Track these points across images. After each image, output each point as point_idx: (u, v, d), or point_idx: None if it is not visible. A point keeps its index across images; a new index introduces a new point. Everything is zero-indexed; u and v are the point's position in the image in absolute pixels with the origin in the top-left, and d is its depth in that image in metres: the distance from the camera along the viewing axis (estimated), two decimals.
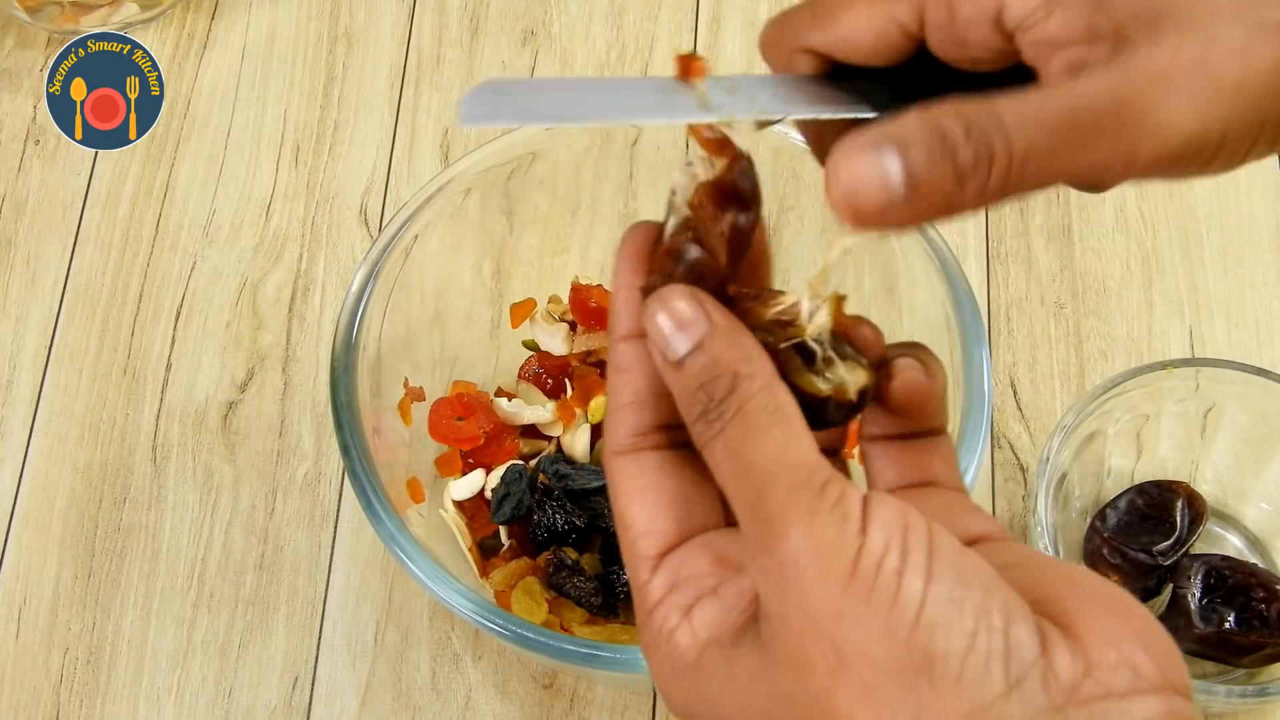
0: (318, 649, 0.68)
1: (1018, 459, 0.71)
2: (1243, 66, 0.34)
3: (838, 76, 0.38)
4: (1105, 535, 0.64)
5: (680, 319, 0.34)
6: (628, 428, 0.36)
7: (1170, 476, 0.68)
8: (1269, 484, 0.67)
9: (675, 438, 0.36)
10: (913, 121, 0.33)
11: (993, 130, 0.33)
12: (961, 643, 0.30)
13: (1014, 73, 0.36)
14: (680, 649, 0.34)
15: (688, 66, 0.36)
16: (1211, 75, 0.34)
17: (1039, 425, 0.72)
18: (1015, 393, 0.73)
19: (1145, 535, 0.65)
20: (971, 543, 0.35)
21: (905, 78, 0.38)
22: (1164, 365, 0.64)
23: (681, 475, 0.36)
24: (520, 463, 0.67)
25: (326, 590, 0.69)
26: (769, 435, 0.33)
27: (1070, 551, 0.67)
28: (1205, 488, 0.68)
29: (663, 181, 0.69)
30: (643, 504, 0.36)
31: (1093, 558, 0.65)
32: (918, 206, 0.33)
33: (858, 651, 0.31)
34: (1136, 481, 0.67)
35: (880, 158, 0.33)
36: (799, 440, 0.33)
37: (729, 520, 0.36)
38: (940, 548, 0.31)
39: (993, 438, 0.71)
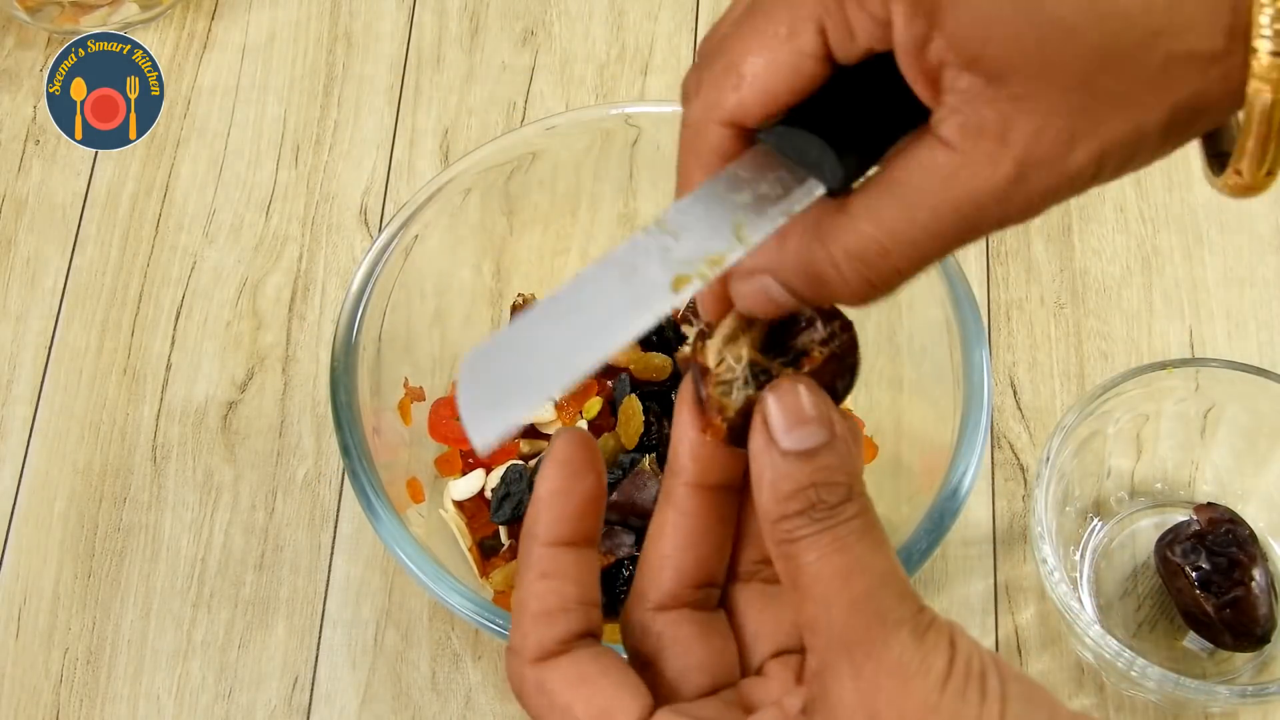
0: (318, 649, 0.68)
1: (1018, 459, 0.71)
2: (1120, 123, 0.32)
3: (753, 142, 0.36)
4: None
5: (803, 415, 0.34)
6: (554, 634, 0.35)
7: (1170, 476, 0.68)
8: (1269, 484, 0.67)
9: (595, 642, 0.36)
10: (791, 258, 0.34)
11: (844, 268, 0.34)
12: None
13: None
14: None
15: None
16: (1086, 140, 0.32)
17: (1039, 425, 0.72)
18: (1015, 393, 0.73)
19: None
20: None
21: (820, 108, 0.35)
22: (1164, 365, 0.64)
23: (618, 664, 0.36)
24: (520, 463, 0.67)
25: (326, 590, 0.69)
26: (884, 547, 0.34)
27: (1069, 552, 0.67)
28: (1205, 487, 0.68)
29: (663, 181, 0.69)
30: (591, 692, 0.35)
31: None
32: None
33: None
34: (1137, 481, 0.67)
35: (762, 285, 0.35)
36: (900, 564, 0.35)
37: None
38: (1004, 661, 0.34)
39: (993, 438, 0.71)
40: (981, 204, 0.33)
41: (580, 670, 0.35)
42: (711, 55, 0.35)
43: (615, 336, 0.32)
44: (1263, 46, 0.31)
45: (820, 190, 0.34)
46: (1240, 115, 0.33)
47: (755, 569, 0.38)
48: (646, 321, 0.32)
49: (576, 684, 0.35)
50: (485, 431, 0.31)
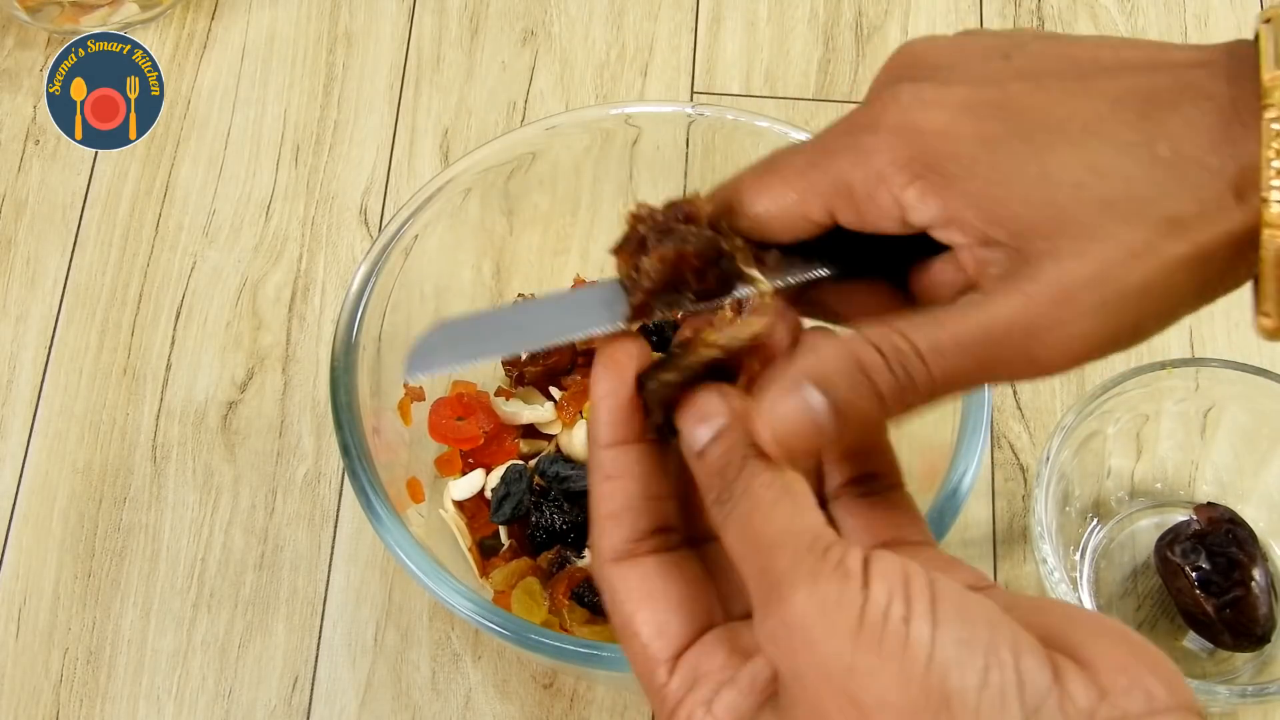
0: (318, 649, 0.68)
1: (1018, 459, 0.71)
2: (1145, 268, 0.35)
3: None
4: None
5: (703, 412, 0.36)
6: (622, 534, 0.37)
7: (1170, 476, 0.68)
8: (1269, 484, 0.67)
9: (670, 540, 0.38)
10: (831, 355, 0.35)
11: (910, 359, 0.35)
12: (975, 679, 0.31)
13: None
14: None
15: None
16: (1116, 285, 0.35)
17: (1039, 425, 0.72)
18: (1015, 393, 0.73)
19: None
20: None
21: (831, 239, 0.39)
22: (1164, 365, 0.64)
23: (683, 577, 0.37)
24: (520, 463, 0.67)
25: (326, 590, 0.69)
26: (776, 508, 0.34)
27: (1069, 552, 0.67)
28: (1205, 487, 0.68)
29: (663, 182, 0.69)
30: (650, 611, 0.37)
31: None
32: (847, 432, 0.35)
33: (875, 700, 0.31)
34: (1137, 481, 0.67)
35: (803, 396, 0.35)
36: (804, 513, 0.34)
37: (736, 614, 0.38)
38: (942, 592, 0.32)
39: (993, 438, 0.71)
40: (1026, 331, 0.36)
41: (646, 585, 0.37)
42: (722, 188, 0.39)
43: (570, 328, 0.38)
44: (1272, 196, 0.34)
45: (825, 271, 0.39)
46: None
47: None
48: (606, 319, 0.38)
49: (641, 598, 0.37)
50: (420, 367, 0.38)
